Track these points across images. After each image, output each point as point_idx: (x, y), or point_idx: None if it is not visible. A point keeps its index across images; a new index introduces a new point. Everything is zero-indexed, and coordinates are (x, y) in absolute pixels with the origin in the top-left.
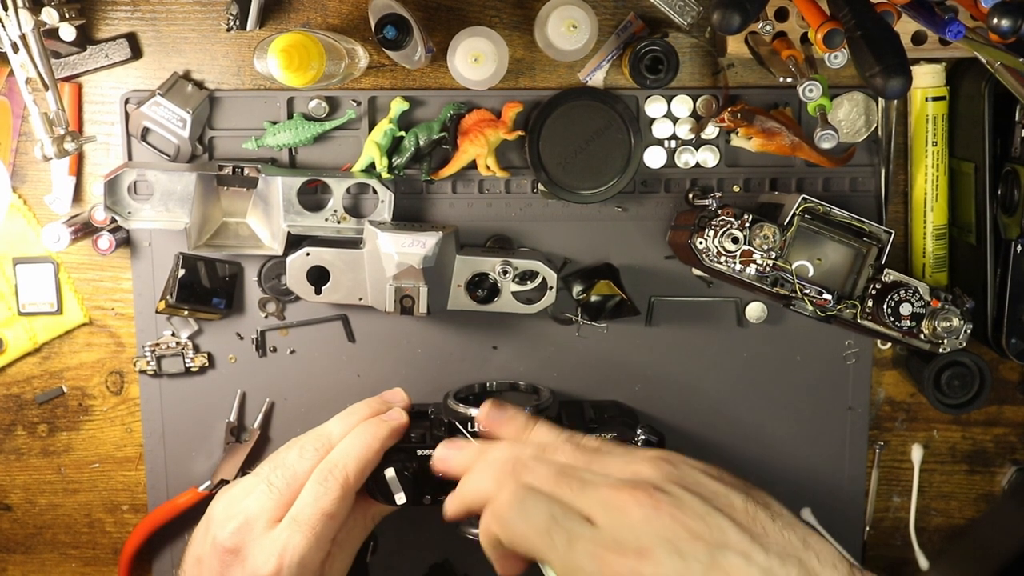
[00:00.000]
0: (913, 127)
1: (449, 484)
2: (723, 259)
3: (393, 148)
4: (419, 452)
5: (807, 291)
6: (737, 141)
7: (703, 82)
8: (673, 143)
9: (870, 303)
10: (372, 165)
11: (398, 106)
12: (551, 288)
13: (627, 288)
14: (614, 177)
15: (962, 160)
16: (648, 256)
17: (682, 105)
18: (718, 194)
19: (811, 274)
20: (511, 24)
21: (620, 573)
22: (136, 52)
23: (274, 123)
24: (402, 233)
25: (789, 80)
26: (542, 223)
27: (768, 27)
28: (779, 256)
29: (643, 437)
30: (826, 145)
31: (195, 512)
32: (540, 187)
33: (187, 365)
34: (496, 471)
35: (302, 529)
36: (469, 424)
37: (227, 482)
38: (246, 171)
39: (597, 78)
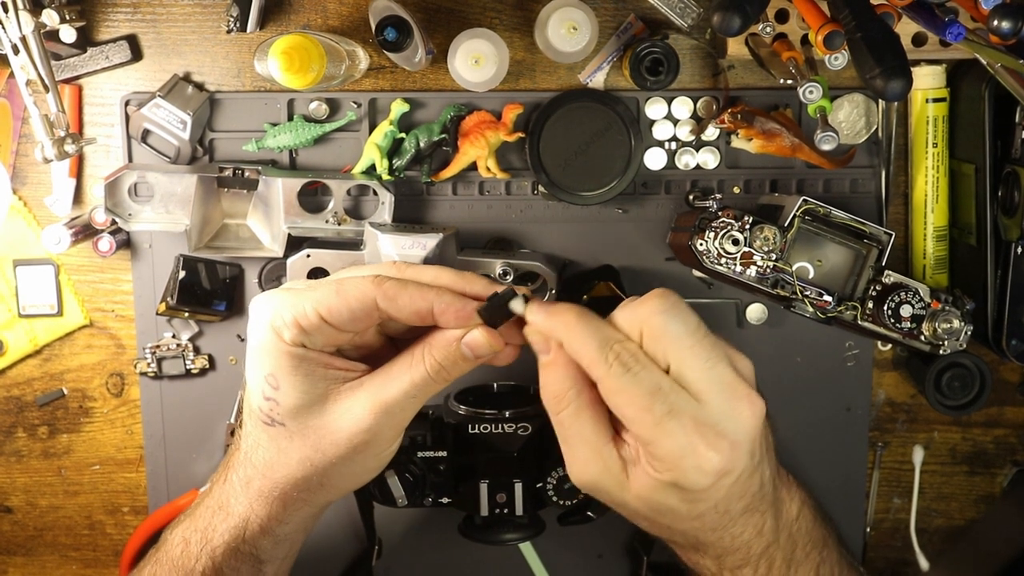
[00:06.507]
0: (913, 128)
1: (445, 486)
2: (723, 261)
3: (393, 150)
4: (419, 454)
5: (807, 293)
6: (737, 143)
7: (703, 84)
8: (673, 145)
9: (870, 305)
10: (372, 167)
11: (398, 108)
12: (551, 290)
13: (627, 290)
14: (614, 179)
15: (962, 161)
16: (648, 258)
17: (682, 107)
18: (718, 196)
19: (811, 276)
20: (511, 26)
21: (706, 455)
22: (136, 54)
23: (274, 125)
24: (402, 235)
25: (789, 82)
26: (542, 225)
27: (768, 29)
28: (779, 258)
29: None
30: (826, 147)
31: None
32: (540, 189)
33: (188, 367)
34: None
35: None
36: (470, 426)
37: None
38: (246, 173)
39: (597, 80)
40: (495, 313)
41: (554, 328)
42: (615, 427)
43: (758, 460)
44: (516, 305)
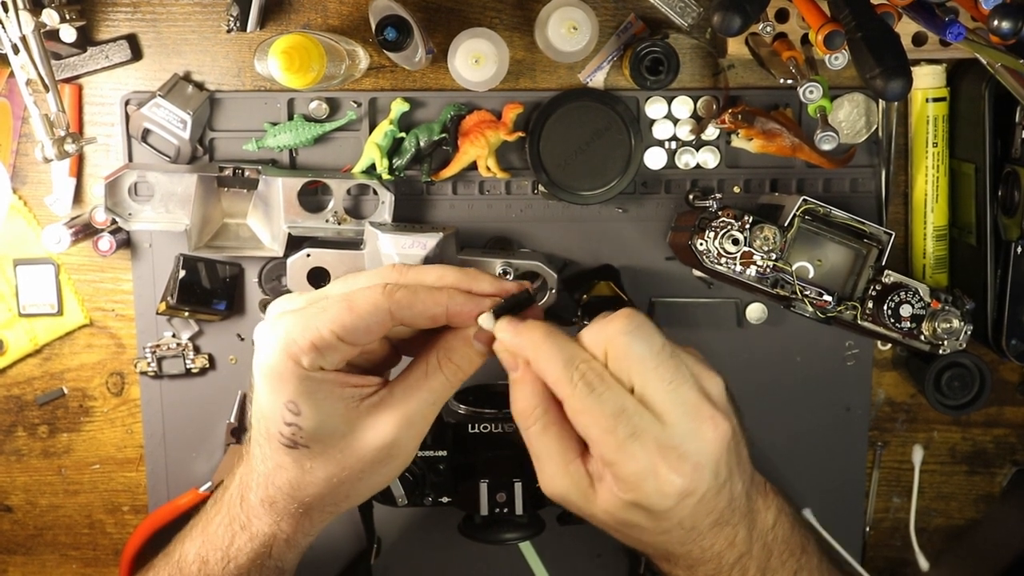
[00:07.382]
0: (913, 128)
1: (445, 486)
2: (723, 260)
3: (393, 149)
4: (419, 454)
5: (807, 292)
6: (737, 142)
7: (704, 83)
8: (673, 144)
9: (870, 304)
10: (372, 166)
11: (398, 107)
12: (551, 289)
13: (627, 289)
14: (614, 178)
15: (962, 161)
16: (648, 257)
17: (683, 106)
18: (718, 195)
19: (811, 275)
20: (511, 25)
21: (668, 478)
22: (136, 53)
23: (274, 124)
24: (402, 234)
25: (789, 81)
26: (542, 224)
27: (768, 28)
28: (779, 257)
29: None
30: (826, 146)
31: (195, 513)
32: (540, 188)
33: (188, 366)
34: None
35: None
36: (470, 426)
37: None
38: (247, 172)
39: (597, 79)
40: (508, 312)
41: (521, 346)
42: (584, 442)
43: (724, 478)
44: (485, 322)
